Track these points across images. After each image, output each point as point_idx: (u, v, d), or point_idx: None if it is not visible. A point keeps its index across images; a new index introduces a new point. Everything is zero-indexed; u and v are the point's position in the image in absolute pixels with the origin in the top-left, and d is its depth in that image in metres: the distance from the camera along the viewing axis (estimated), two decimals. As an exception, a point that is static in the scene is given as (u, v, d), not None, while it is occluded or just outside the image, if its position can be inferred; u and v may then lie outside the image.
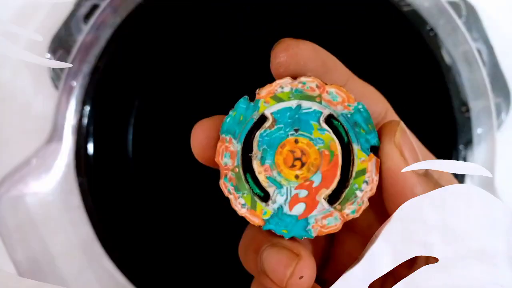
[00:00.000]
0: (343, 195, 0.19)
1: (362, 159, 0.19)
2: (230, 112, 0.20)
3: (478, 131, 0.35)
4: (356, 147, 0.19)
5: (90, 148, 0.36)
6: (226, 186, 0.20)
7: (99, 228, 0.36)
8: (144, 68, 0.37)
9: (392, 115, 0.23)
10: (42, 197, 0.35)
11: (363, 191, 0.19)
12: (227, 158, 0.20)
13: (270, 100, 0.20)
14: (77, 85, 0.35)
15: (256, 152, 0.20)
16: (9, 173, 0.34)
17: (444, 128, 0.35)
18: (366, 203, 0.19)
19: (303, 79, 0.19)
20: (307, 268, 0.19)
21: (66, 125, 0.35)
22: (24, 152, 0.34)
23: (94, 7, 0.36)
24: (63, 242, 0.36)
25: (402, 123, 0.19)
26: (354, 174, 0.19)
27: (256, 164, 0.20)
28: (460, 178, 0.35)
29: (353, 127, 0.19)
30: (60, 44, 0.36)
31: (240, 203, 0.20)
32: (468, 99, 0.35)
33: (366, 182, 0.19)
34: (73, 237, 0.36)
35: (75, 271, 0.36)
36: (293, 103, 0.19)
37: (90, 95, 0.36)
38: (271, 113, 0.20)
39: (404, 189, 0.18)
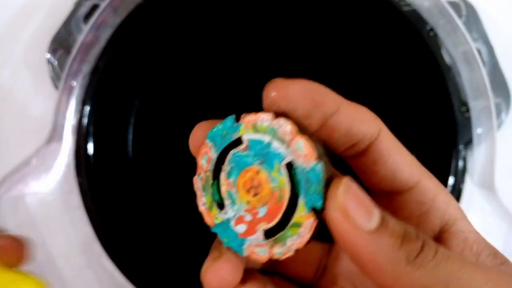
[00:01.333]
0: (277, 235, 0.21)
1: (302, 213, 0.20)
2: (219, 124, 0.22)
3: (478, 131, 0.35)
4: (301, 201, 0.20)
5: (90, 148, 0.36)
6: (196, 182, 0.22)
7: (99, 228, 0.36)
8: (144, 68, 0.37)
9: (386, 135, 0.23)
10: (42, 197, 0.35)
11: (293, 241, 0.20)
12: (204, 160, 0.22)
13: (250, 128, 0.21)
14: (77, 85, 0.35)
15: (226, 167, 0.22)
16: (9, 173, 0.34)
17: (444, 128, 0.35)
18: (292, 252, 0.21)
19: (281, 121, 0.21)
20: (221, 269, 0.21)
21: (66, 125, 0.35)
22: (24, 152, 0.34)
23: (94, 7, 0.36)
24: (63, 242, 0.36)
25: (346, 179, 0.19)
26: (291, 222, 0.20)
27: (223, 176, 0.22)
28: (460, 178, 0.35)
29: (306, 182, 0.20)
30: (60, 44, 0.36)
31: (202, 201, 0.22)
32: (468, 99, 0.35)
33: (298, 234, 0.20)
34: (73, 237, 0.36)
35: (75, 271, 0.36)
36: (266, 139, 0.21)
37: (90, 95, 0.36)
38: (248, 139, 0.21)
39: (357, 250, 0.18)
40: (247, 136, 0.21)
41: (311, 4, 0.36)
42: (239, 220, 0.21)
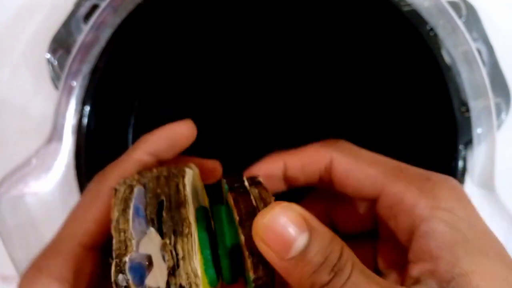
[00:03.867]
0: None
1: None
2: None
3: (478, 131, 0.35)
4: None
5: (90, 148, 0.36)
6: None
7: (99, 228, 0.36)
8: (144, 68, 0.37)
9: (338, 160, 0.26)
10: (42, 197, 0.35)
11: None
12: None
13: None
14: (77, 85, 0.35)
15: None
16: (9, 173, 0.34)
17: (444, 128, 0.35)
18: None
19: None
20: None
21: (66, 125, 0.35)
22: (24, 152, 0.34)
23: (94, 7, 0.36)
24: (63, 242, 0.36)
25: (272, 213, 0.20)
26: None
27: None
28: (460, 178, 0.35)
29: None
30: (60, 44, 0.36)
31: None
32: (468, 99, 0.35)
33: None
34: (73, 237, 0.36)
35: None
36: None
37: (90, 95, 0.36)
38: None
39: (277, 268, 0.21)
40: None
41: (311, 4, 0.36)
42: None
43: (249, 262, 0.21)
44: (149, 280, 0.19)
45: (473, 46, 0.34)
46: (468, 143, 0.35)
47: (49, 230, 0.36)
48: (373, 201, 0.25)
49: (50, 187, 0.35)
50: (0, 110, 0.39)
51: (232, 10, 0.37)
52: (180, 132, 0.28)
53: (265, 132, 0.38)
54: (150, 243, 0.20)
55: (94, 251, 0.24)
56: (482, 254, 0.21)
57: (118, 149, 0.37)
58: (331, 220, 0.28)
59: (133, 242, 0.20)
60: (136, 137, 0.37)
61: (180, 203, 0.21)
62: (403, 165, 0.25)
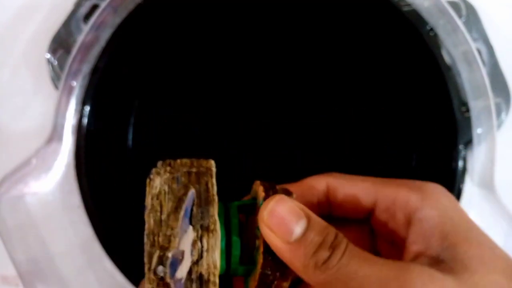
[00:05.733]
0: None
1: None
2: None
3: (478, 131, 0.35)
4: None
5: (90, 148, 0.36)
6: None
7: (99, 228, 0.36)
8: (144, 68, 0.37)
9: (333, 184, 0.28)
10: (42, 197, 0.35)
11: None
12: None
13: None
14: (77, 85, 0.35)
15: None
16: (9, 173, 0.34)
17: (444, 128, 0.35)
18: None
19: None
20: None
21: (66, 125, 0.35)
22: (24, 152, 0.34)
23: (94, 7, 0.36)
24: (63, 242, 0.36)
25: (273, 203, 0.24)
26: None
27: None
28: (460, 178, 0.35)
29: None
30: (60, 44, 0.36)
31: None
32: (468, 99, 0.35)
33: None
34: (73, 237, 0.36)
35: (75, 271, 0.36)
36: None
37: (90, 95, 0.36)
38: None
39: (281, 254, 0.24)
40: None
41: (311, 4, 0.36)
42: None
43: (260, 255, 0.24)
44: (177, 272, 0.22)
45: (473, 46, 0.34)
46: (468, 143, 0.35)
47: (49, 230, 0.36)
48: (370, 214, 0.28)
49: (50, 187, 0.35)
50: (0, 110, 0.39)
51: (232, 10, 0.37)
52: None
53: (265, 132, 0.38)
54: (186, 239, 0.22)
55: None
56: (469, 230, 0.24)
57: (118, 149, 0.37)
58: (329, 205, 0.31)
59: (177, 239, 0.22)
60: (136, 137, 0.37)
61: (209, 202, 0.24)
62: (391, 178, 0.28)
